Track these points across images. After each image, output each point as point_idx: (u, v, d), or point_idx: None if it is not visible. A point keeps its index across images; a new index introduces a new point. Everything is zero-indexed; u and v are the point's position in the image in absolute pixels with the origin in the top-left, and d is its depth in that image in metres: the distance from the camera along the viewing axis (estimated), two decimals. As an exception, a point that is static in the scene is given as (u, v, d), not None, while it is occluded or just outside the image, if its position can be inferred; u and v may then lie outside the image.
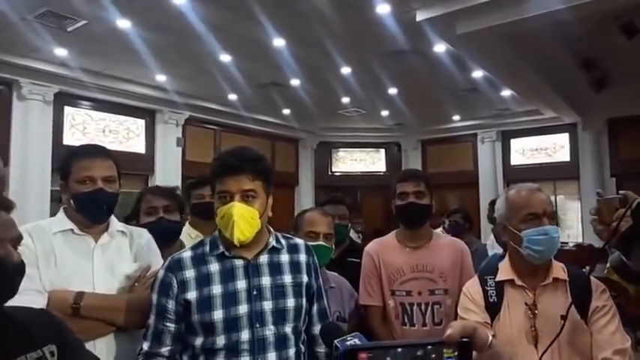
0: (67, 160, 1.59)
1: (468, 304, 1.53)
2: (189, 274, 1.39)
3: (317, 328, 1.51)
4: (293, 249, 1.52)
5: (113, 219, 1.65)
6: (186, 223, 2.71)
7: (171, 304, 1.38)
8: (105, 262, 1.55)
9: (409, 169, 2.62)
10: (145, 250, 1.67)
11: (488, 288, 1.53)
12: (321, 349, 1.52)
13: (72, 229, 1.54)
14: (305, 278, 1.49)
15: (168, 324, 1.38)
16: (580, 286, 1.44)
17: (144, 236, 1.71)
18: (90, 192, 1.54)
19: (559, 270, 1.51)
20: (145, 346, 1.38)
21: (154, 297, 1.40)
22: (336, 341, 1.04)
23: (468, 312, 1.52)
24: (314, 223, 1.98)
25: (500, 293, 1.51)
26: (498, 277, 1.53)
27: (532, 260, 1.49)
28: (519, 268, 1.52)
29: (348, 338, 1.05)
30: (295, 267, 1.48)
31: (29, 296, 1.24)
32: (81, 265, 1.51)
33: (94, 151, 1.63)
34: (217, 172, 1.42)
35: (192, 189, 2.67)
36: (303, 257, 1.52)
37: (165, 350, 1.38)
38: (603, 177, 8.09)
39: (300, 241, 1.57)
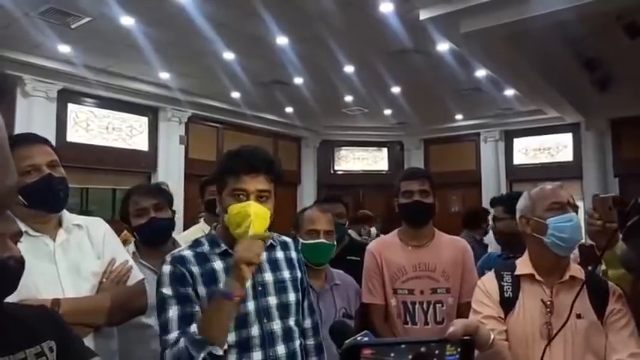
0: None
1: (483, 298, 1.55)
2: (196, 270, 1.39)
3: (307, 322, 1.56)
4: (285, 246, 1.56)
5: (65, 212, 1.56)
6: (201, 220, 2.73)
7: (191, 291, 1.35)
8: (68, 263, 1.47)
9: (413, 167, 2.62)
10: (105, 242, 1.60)
11: (504, 283, 1.54)
12: (311, 342, 1.56)
13: (26, 232, 1.40)
14: (299, 273, 1.54)
15: (196, 307, 1.34)
16: (597, 287, 1.45)
17: (101, 227, 1.64)
18: (38, 180, 1.42)
19: (576, 270, 1.51)
20: (174, 335, 1.30)
21: (169, 290, 1.34)
22: (347, 342, 1.05)
23: (482, 306, 1.54)
24: (313, 221, 2.00)
25: (517, 289, 1.52)
26: (517, 272, 1.55)
27: (556, 250, 1.49)
28: (538, 264, 1.53)
29: (358, 338, 1.06)
30: (289, 263, 1.53)
31: None
32: (45, 269, 1.42)
33: (29, 139, 1.50)
34: (233, 169, 1.42)
35: (207, 186, 2.69)
36: (294, 254, 1.57)
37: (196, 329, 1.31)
38: (606, 177, 8.07)
39: (288, 239, 1.61)
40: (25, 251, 1.38)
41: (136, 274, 1.61)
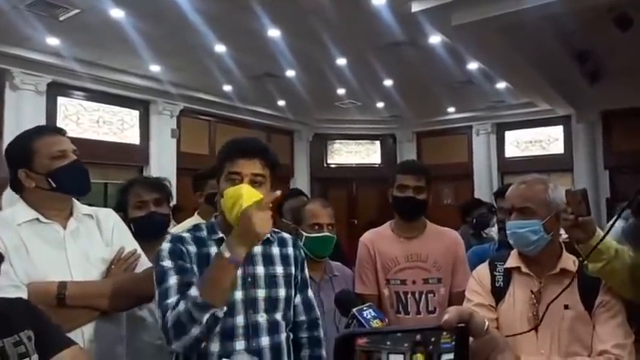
0: (26, 144, 1.50)
1: (475, 287, 1.59)
2: (192, 249, 1.42)
3: (302, 317, 1.58)
4: (282, 243, 1.58)
5: (75, 202, 1.60)
6: (195, 214, 2.74)
7: (189, 265, 1.37)
8: (78, 249, 1.51)
9: (411, 160, 2.59)
10: (115, 231, 1.64)
11: (497, 273, 1.58)
12: (304, 335, 1.57)
13: (37, 218, 1.47)
14: (293, 270, 1.55)
15: (194, 278, 1.35)
16: (588, 279, 1.46)
17: (111, 217, 1.68)
18: (70, 164, 1.50)
19: (569, 262, 1.52)
20: (173, 299, 1.29)
21: (169, 263, 1.35)
22: (354, 310, 1.07)
23: (473, 294, 1.58)
24: (317, 215, 2.04)
25: (508, 279, 1.56)
26: (507, 264, 1.58)
27: (519, 250, 1.56)
28: (525, 256, 1.56)
29: (364, 308, 1.08)
30: (285, 259, 1.54)
31: (8, 293, 1.22)
32: (54, 254, 1.47)
33: (55, 129, 1.59)
34: (231, 153, 1.46)
35: (202, 180, 2.71)
36: (291, 250, 1.58)
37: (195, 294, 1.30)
38: (597, 169, 8.14)
39: (287, 236, 1.63)
40: (34, 237, 1.44)
41: (144, 262, 1.63)
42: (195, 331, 1.24)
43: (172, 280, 1.33)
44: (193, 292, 1.27)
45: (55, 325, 1.10)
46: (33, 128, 1.59)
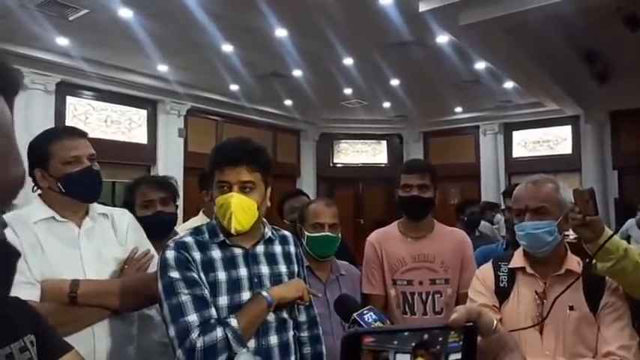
0: (44, 145, 1.51)
1: (479, 287, 1.58)
2: (197, 255, 1.40)
3: (302, 316, 1.57)
4: (283, 240, 1.58)
5: None
6: (200, 213, 2.73)
7: (196, 275, 1.37)
8: (92, 248, 1.52)
9: (415, 160, 2.57)
10: (129, 231, 1.64)
11: (501, 273, 1.57)
12: (305, 334, 1.57)
13: (53, 217, 1.49)
14: (296, 268, 1.56)
15: (205, 290, 1.36)
16: (594, 280, 1.45)
17: (125, 217, 1.69)
18: (81, 171, 1.51)
19: (573, 262, 1.51)
20: (193, 318, 1.31)
21: (176, 274, 1.35)
22: (354, 315, 1.07)
23: (477, 294, 1.57)
24: (318, 214, 2.02)
25: (512, 279, 1.54)
26: (511, 264, 1.57)
27: (529, 251, 1.53)
28: (530, 256, 1.54)
29: (364, 311, 1.07)
30: (287, 257, 1.55)
31: (22, 290, 1.22)
32: (69, 253, 1.48)
33: (73, 132, 1.60)
34: (217, 162, 1.45)
35: (207, 179, 2.71)
36: (292, 248, 1.58)
37: (215, 313, 1.34)
38: (605, 170, 8.08)
39: (287, 234, 1.63)
40: (50, 235, 1.45)
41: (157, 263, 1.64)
42: (222, 358, 1.29)
43: (184, 294, 1.33)
44: (234, 322, 1.32)
45: (53, 329, 1.09)
46: (54, 128, 1.61)
